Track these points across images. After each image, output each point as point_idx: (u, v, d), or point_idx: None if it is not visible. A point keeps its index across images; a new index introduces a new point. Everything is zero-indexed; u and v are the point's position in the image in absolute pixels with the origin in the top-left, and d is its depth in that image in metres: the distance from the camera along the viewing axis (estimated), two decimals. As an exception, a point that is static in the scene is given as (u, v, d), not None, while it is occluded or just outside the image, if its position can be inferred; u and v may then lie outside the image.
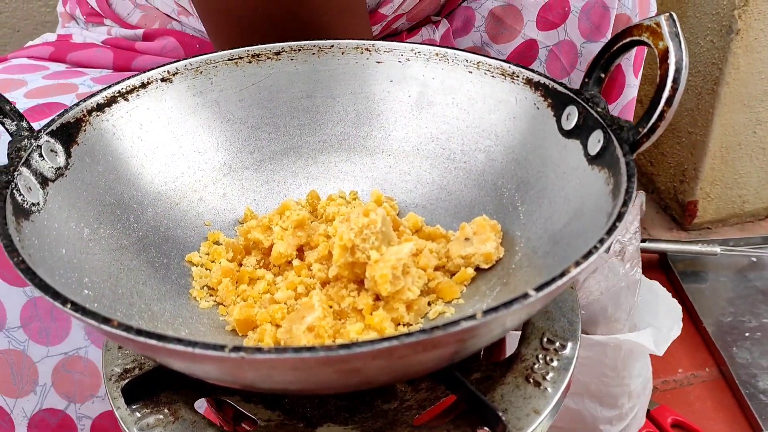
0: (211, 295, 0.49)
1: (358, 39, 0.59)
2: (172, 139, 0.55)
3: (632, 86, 0.78)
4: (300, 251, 0.51)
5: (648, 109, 0.42)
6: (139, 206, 0.51)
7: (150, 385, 0.45)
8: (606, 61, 0.48)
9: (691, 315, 1.16)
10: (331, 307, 0.46)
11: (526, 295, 0.32)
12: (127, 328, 0.31)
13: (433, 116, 0.58)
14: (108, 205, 0.49)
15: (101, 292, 0.42)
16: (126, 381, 0.45)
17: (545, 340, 0.47)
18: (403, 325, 0.46)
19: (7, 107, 0.45)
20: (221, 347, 0.30)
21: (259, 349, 0.30)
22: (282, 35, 0.57)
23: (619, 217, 0.36)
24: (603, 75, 0.48)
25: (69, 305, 0.32)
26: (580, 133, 0.47)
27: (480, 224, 0.50)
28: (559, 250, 0.43)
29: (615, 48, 0.47)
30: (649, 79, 1.17)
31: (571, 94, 0.49)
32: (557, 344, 0.47)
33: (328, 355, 0.29)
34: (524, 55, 0.75)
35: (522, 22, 0.72)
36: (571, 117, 0.48)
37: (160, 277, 0.48)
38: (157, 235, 0.51)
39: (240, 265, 0.51)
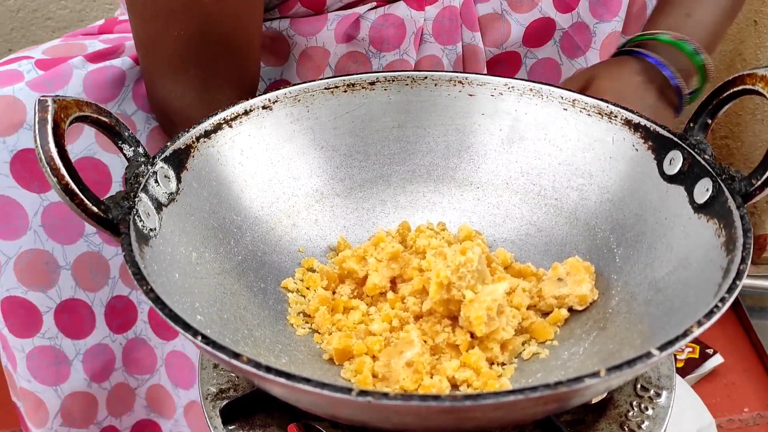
0: (306, 322, 0.50)
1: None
2: (270, 165, 0.56)
3: None
4: (393, 283, 0.52)
5: (763, 161, 0.41)
6: (239, 230, 0.53)
7: (246, 407, 0.47)
8: (714, 108, 0.47)
9: (758, 351, 1.13)
10: (425, 341, 0.47)
11: (649, 354, 0.32)
12: (257, 365, 0.32)
13: (524, 151, 0.59)
14: (212, 229, 0.51)
15: (210, 317, 0.44)
16: (224, 402, 0.47)
17: (639, 386, 0.47)
18: (498, 364, 0.46)
19: (126, 133, 0.47)
20: (348, 390, 0.31)
21: (385, 395, 0.30)
22: (213, 64, 0.59)
23: (739, 275, 0.36)
24: (710, 121, 0.48)
25: (200, 338, 0.33)
26: (684, 179, 0.47)
27: (573, 265, 0.50)
28: (663, 299, 0.43)
29: (725, 95, 0.47)
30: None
31: (676, 139, 0.49)
32: (652, 392, 0.47)
33: (454, 405, 0.30)
34: (541, 33, 0.75)
35: None
36: (675, 162, 0.48)
37: (258, 303, 0.50)
38: (254, 259, 0.52)
39: (333, 293, 0.52)
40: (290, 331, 0.49)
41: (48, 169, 0.40)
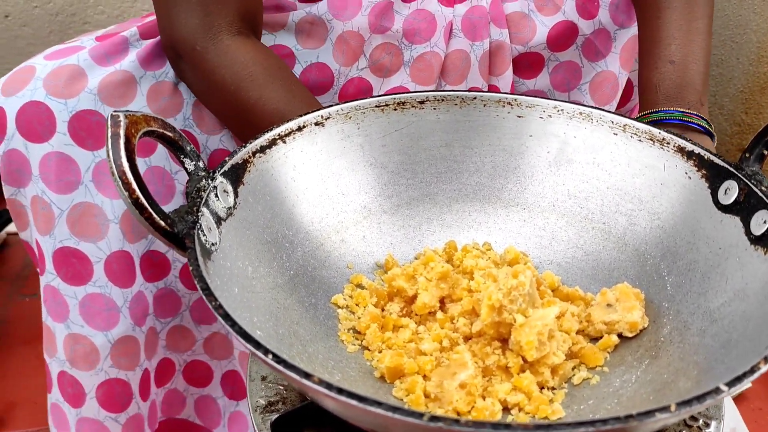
0: (356, 339, 0.51)
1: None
2: (320, 181, 0.57)
3: None
4: (442, 302, 0.52)
5: (824, 198, 0.42)
6: (290, 245, 0.53)
7: (297, 421, 0.47)
8: (770, 140, 0.48)
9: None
10: (476, 363, 0.47)
11: (718, 390, 0.32)
12: (329, 386, 0.32)
13: (571, 174, 0.59)
14: (265, 243, 0.51)
15: (268, 332, 0.44)
16: (275, 416, 0.47)
17: (688, 416, 0.47)
18: (548, 389, 0.46)
19: (188, 148, 0.48)
20: (420, 415, 0.31)
21: (457, 421, 0.31)
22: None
23: (804, 312, 0.36)
24: (766, 152, 0.48)
25: (270, 356, 0.34)
26: (740, 210, 0.47)
27: (623, 291, 0.50)
28: (719, 330, 0.43)
29: (782, 127, 0.47)
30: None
31: (731, 168, 0.49)
32: (701, 422, 0.47)
33: (525, 433, 0.30)
34: (564, 37, 0.78)
35: None
36: (730, 192, 0.48)
37: (310, 318, 0.50)
38: (305, 274, 0.53)
39: (382, 310, 0.53)
40: (341, 348, 0.50)
41: (120, 182, 0.41)
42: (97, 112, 0.63)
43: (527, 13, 0.76)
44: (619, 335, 0.50)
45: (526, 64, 0.79)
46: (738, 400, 1.10)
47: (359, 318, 0.52)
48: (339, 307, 0.53)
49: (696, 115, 0.62)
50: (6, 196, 0.67)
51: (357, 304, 0.53)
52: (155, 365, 0.73)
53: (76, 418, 0.69)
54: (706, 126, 0.62)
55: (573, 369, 0.48)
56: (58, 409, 0.70)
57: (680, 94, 0.62)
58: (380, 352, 0.49)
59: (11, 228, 1.31)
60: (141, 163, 0.67)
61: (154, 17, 0.71)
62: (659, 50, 0.64)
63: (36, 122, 0.62)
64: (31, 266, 1.28)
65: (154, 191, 0.66)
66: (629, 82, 0.81)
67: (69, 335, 0.67)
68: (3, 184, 0.66)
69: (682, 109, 0.62)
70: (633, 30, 0.77)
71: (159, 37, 0.68)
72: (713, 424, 0.46)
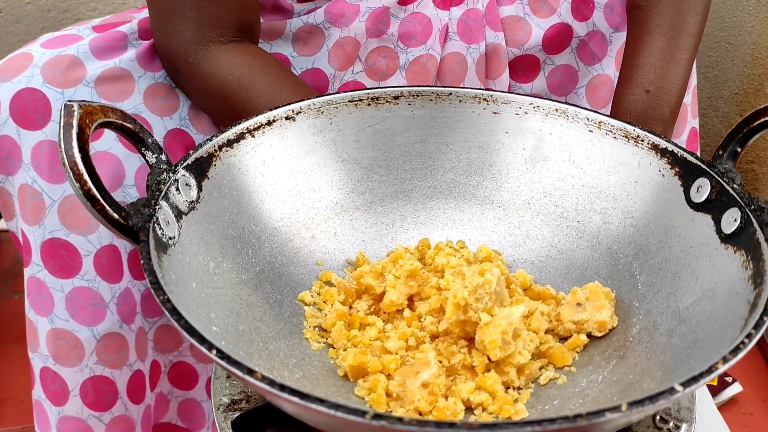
0: (322, 336, 0.50)
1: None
2: (290, 176, 0.56)
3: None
4: (410, 300, 0.51)
5: (794, 195, 0.40)
6: (257, 241, 0.53)
7: (258, 420, 0.46)
8: (744, 136, 0.47)
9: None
10: (441, 362, 0.46)
11: (672, 390, 0.31)
12: (271, 383, 0.32)
13: (547, 171, 0.58)
14: (230, 238, 0.50)
15: (225, 328, 0.43)
16: (236, 414, 0.46)
17: (658, 418, 0.46)
18: (514, 388, 0.45)
19: (150, 140, 0.47)
20: (363, 413, 0.30)
21: (400, 420, 0.30)
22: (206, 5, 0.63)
23: (767, 310, 0.35)
24: (739, 149, 0.47)
25: (215, 352, 0.33)
26: (711, 207, 0.46)
27: (593, 290, 0.49)
28: (686, 330, 0.42)
29: (755, 124, 0.46)
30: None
31: (704, 166, 0.48)
32: (671, 424, 0.46)
33: (470, 433, 0.29)
34: (559, 39, 0.78)
35: (559, 0, 0.76)
36: (702, 190, 0.47)
37: (274, 314, 0.49)
38: (272, 270, 0.52)
39: (350, 308, 0.52)
40: (305, 345, 0.49)
41: (71, 173, 0.40)
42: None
43: (522, 16, 0.76)
44: (589, 335, 0.49)
45: (522, 67, 0.79)
46: (729, 404, 1.09)
47: (326, 315, 0.51)
48: (306, 304, 0.52)
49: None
50: None
51: (324, 302, 0.52)
52: (149, 368, 0.72)
53: (57, 417, 0.68)
54: None
55: (540, 369, 0.47)
56: (40, 407, 0.69)
57: (647, 123, 0.62)
58: (345, 350, 0.48)
59: (2, 225, 1.30)
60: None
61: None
62: (638, 76, 0.64)
63: (31, 109, 0.61)
64: (22, 263, 1.27)
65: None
66: None
67: (53, 330, 0.65)
68: None
69: None
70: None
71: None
72: (684, 426, 0.45)
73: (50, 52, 0.63)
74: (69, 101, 0.42)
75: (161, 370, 0.74)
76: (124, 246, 0.66)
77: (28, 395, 0.85)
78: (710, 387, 1.06)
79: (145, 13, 0.70)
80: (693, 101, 0.82)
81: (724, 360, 0.32)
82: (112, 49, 0.65)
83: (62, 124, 0.41)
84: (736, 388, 1.07)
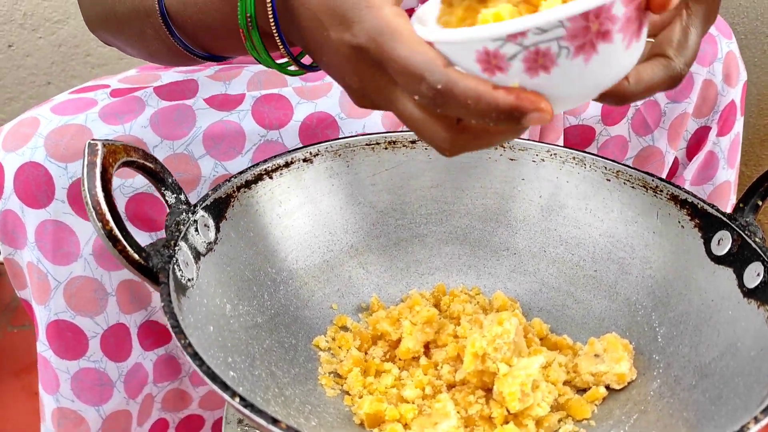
0: (337, 383, 0.49)
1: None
2: (306, 219, 0.56)
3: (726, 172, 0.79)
4: (426, 348, 0.51)
5: (819, 251, 0.40)
6: (273, 284, 0.52)
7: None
8: (765, 190, 0.47)
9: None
10: (458, 413, 0.45)
11: (706, 451, 0.30)
12: (296, 434, 0.31)
13: (563, 219, 0.58)
14: (246, 281, 0.50)
15: (242, 373, 0.43)
16: (247, 462, 0.45)
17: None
18: (533, 441, 0.45)
19: (169, 180, 0.47)
20: (390, 468, 0.29)
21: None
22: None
23: (798, 370, 0.34)
24: (760, 203, 0.47)
25: (237, 400, 0.32)
26: (733, 261, 0.46)
27: (611, 342, 0.49)
28: (709, 386, 0.41)
29: (776, 179, 0.46)
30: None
31: (725, 219, 0.48)
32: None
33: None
34: (617, 108, 0.75)
35: None
36: (723, 243, 0.47)
37: (289, 359, 0.49)
38: (287, 314, 0.52)
39: (366, 353, 0.51)
40: (320, 392, 0.48)
41: (93, 213, 0.39)
42: None
43: None
44: (607, 387, 0.48)
45: (577, 137, 0.76)
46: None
47: (341, 361, 0.50)
48: (321, 349, 0.51)
49: None
50: (2, 256, 0.63)
51: (339, 347, 0.51)
52: (147, 429, 0.70)
53: None
54: None
55: (559, 421, 0.46)
56: None
57: None
58: (361, 397, 0.47)
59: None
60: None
61: (175, 68, 0.69)
62: None
63: (34, 186, 0.59)
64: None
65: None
66: (676, 160, 0.78)
67: (58, 409, 0.64)
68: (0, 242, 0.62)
69: None
70: (684, 106, 0.74)
71: (182, 101, 0.63)
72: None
73: (57, 120, 0.60)
74: (93, 140, 0.41)
75: (169, 426, 0.72)
76: (134, 321, 0.64)
77: (29, 428, 0.83)
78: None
79: (171, 74, 0.67)
80: (742, 99, 0.79)
81: (756, 420, 0.32)
82: (125, 112, 0.62)
83: (86, 163, 0.40)
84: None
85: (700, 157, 0.75)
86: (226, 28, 0.49)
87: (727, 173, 0.79)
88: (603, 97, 0.37)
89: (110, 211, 0.40)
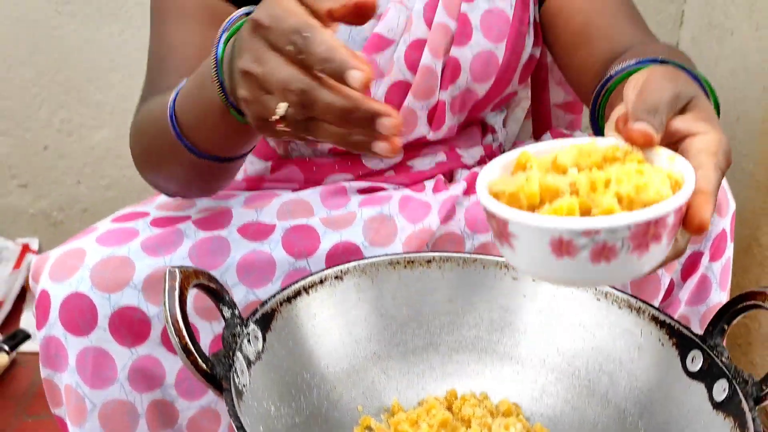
0: (364, 479, 0.56)
1: None
2: (336, 329, 0.64)
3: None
4: (442, 448, 0.58)
5: (772, 372, 0.48)
6: (308, 387, 0.60)
7: None
8: (729, 316, 0.55)
9: None
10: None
11: None
12: None
13: (561, 333, 0.66)
14: (286, 384, 0.58)
15: (287, 469, 0.50)
16: None
17: None
18: None
19: (227, 298, 0.55)
20: None
21: None
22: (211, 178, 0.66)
23: (753, 475, 0.42)
24: (726, 327, 0.55)
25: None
26: (704, 377, 0.54)
27: (604, 446, 0.56)
28: (687, 487, 0.48)
29: (738, 307, 0.54)
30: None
31: (697, 340, 0.56)
32: None
33: None
34: None
35: None
36: (696, 360, 0.55)
37: (322, 457, 0.56)
38: (319, 415, 0.59)
39: (388, 452, 0.58)
40: (349, 486, 0.55)
41: (173, 330, 0.48)
42: (140, 309, 0.64)
43: None
44: (602, 487, 0.55)
45: None
46: None
47: (367, 460, 0.57)
48: (348, 447, 0.58)
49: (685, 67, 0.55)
50: (42, 375, 0.68)
51: (365, 446, 0.58)
52: None
53: None
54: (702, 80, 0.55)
55: None
56: None
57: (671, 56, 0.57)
58: (384, 492, 0.54)
59: (23, 347, 1.35)
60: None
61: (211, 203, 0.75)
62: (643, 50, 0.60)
63: (78, 315, 0.63)
64: (38, 386, 1.31)
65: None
66: (671, 283, 0.82)
67: None
68: (41, 364, 0.67)
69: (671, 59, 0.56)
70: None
71: (218, 231, 0.69)
72: None
73: (102, 251, 0.65)
74: (172, 268, 0.50)
75: None
76: None
77: None
78: None
79: (205, 202, 0.74)
80: (732, 228, 0.83)
81: None
82: (166, 244, 0.66)
83: (167, 288, 0.49)
84: None
85: (694, 280, 0.80)
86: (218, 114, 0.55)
87: (719, 295, 0.83)
88: None
89: (186, 328, 0.48)
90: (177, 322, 0.48)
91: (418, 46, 0.76)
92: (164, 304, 0.49)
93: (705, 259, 0.80)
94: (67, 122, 1.53)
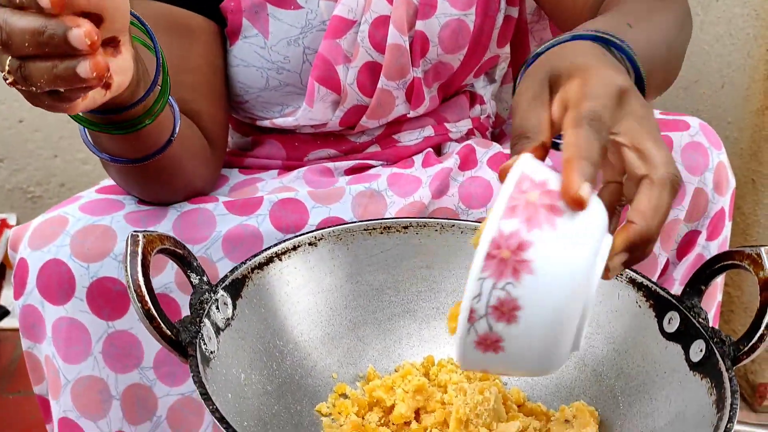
0: (337, 446, 0.55)
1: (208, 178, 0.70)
2: (310, 296, 0.63)
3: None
4: (417, 413, 0.57)
5: (749, 330, 0.48)
6: (281, 355, 0.59)
7: None
8: (707, 277, 0.54)
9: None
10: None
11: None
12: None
13: (538, 298, 0.65)
14: (257, 352, 0.56)
15: (257, 436, 0.49)
16: None
17: None
18: (511, 498, 0.51)
19: (195, 263, 0.54)
20: None
21: None
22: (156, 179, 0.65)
23: (727, 433, 0.41)
24: (703, 287, 0.55)
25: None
26: (681, 338, 0.53)
27: (579, 409, 0.56)
28: (662, 448, 0.48)
29: (716, 267, 0.54)
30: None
31: (673, 300, 0.55)
32: None
33: None
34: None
35: None
36: (673, 322, 0.54)
37: (295, 424, 0.55)
38: (292, 382, 0.58)
39: (363, 418, 0.57)
40: (322, 453, 0.54)
41: (135, 295, 0.46)
42: (119, 281, 0.62)
43: None
44: (577, 450, 0.54)
45: None
46: None
47: (341, 426, 0.56)
48: (323, 414, 0.57)
49: (619, 40, 0.50)
50: (23, 348, 0.66)
51: (339, 413, 0.57)
52: None
53: None
54: (630, 53, 0.50)
55: (533, 481, 0.52)
56: None
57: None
58: (358, 458, 0.53)
59: (3, 324, 1.33)
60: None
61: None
62: (618, 14, 0.56)
63: (56, 283, 0.61)
64: (19, 362, 1.30)
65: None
66: (667, 261, 0.81)
67: None
68: (21, 336, 0.65)
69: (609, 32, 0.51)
70: (676, 212, 0.76)
71: (203, 204, 0.68)
72: None
73: (85, 219, 0.63)
74: (134, 232, 0.49)
75: None
76: None
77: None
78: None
79: None
80: (731, 206, 0.81)
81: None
82: (150, 216, 0.65)
83: (128, 252, 0.48)
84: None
85: (689, 259, 0.79)
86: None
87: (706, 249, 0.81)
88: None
89: (149, 293, 0.47)
90: (139, 287, 0.47)
91: (381, 23, 0.74)
92: (126, 269, 0.47)
93: (702, 238, 0.79)
94: (43, 95, 1.49)
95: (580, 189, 0.37)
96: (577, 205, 0.37)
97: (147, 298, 0.47)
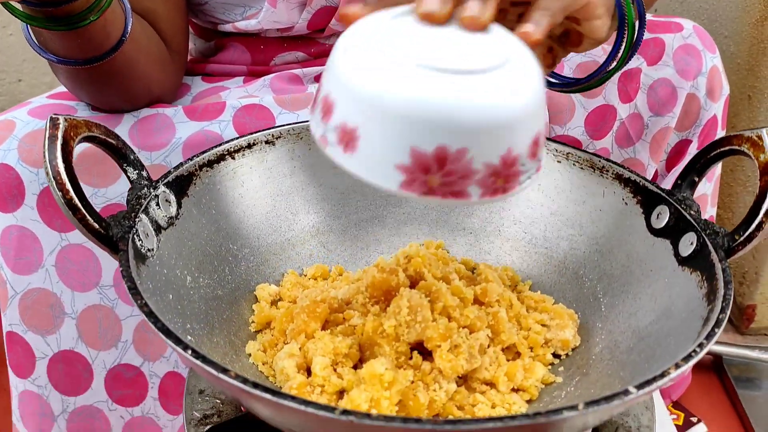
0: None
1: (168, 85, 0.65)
2: (268, 198, 0.58)
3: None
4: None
5: (746, 218, 0.43)
6: (234, 259, 0.54)
7: (229, 434, 0.47)
8: (701, 166, 0.49)
9: (743, 422, 1.12)
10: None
11: (626, 392, 0.32)
12: (244, 381, 0.33)
13: (517, 200, 0.60)
14: (207, 255, 0.52)
15: (200, 339, 0.44)
16: (207, 427, 0.47)
17: (620, 437, 0.47)
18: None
19: (132, 156, 0.48)
20: (332, 409, 0.31)
21: (368, 415, 0.31)
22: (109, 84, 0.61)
23: (718, 323, 0.37)
24: (696, 179, 0.50)
25: (190, 352, 0.34)
26: (670, 233, 0.48)
27: (557, 311, 0.51)
28: (645, 347, 0.44)
29: (712, 154, 0.48)
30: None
31: (663, 194, 0.50)
32: (633, 440, 0.47)
33: (434, 429, 0.30)
34: (604, 119, 0.74)
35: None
36: (662, 216, 0.50)
37: (249, 331, 0.50)
38: (247, 288, 0.53)
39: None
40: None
41: (54, 183, 0.41)
42: None
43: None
44: (555, 355, 0.50)
45: None
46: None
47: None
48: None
49: None
50: None
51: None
52: None
53: None
54: None
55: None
56: None
57: None
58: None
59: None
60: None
61: None
62: None
63: (4, 188, 0.57)
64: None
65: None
66: (656, 172, 0.79)
67: (13, 424, 0.63)
68: None
69: None
70: (667, 119, 0.74)
71: (162, 109, 0.64)
72: (645, 442, 0.47)
73: (34, 123, 0.59)
74: (55, 115, 0.43)
75: None
76: (102, 361, 0.61)
77: None
78: (676, 426, 1.07)
79: None
80: (714, 191, 0.80)
81: (677, 366, 0.34)
82: (104, 121, 0.60)
83: (47, 136, 0.42)
84: (701, 429, 1.09)
85: (678, 170, 0.75)
86: None
87: (704, 186, 0.79)
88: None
89: (71, 181, 0.41)
90: (59, 174, 0.41)
91: None
92: (44, 154, 0.41)
93: (693, 148, 0.75)
94: (3, 14, 1.41)
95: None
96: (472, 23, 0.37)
97: (69, 186, 0.41)
